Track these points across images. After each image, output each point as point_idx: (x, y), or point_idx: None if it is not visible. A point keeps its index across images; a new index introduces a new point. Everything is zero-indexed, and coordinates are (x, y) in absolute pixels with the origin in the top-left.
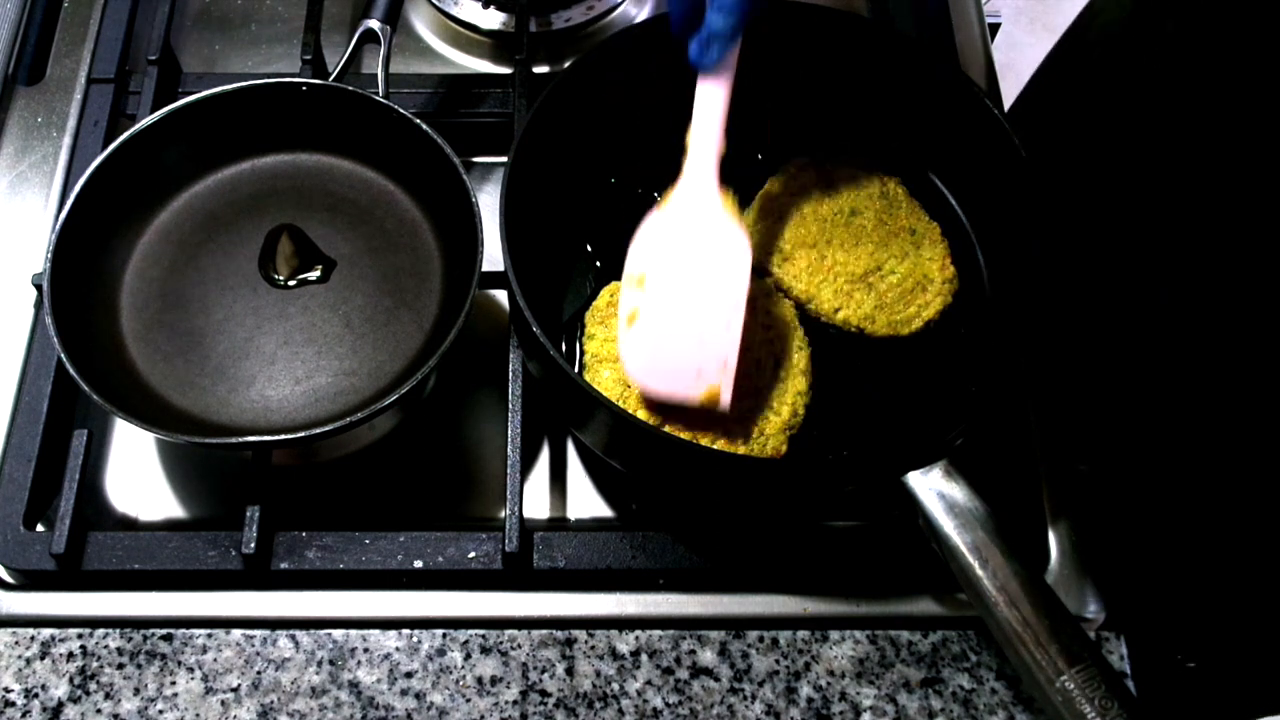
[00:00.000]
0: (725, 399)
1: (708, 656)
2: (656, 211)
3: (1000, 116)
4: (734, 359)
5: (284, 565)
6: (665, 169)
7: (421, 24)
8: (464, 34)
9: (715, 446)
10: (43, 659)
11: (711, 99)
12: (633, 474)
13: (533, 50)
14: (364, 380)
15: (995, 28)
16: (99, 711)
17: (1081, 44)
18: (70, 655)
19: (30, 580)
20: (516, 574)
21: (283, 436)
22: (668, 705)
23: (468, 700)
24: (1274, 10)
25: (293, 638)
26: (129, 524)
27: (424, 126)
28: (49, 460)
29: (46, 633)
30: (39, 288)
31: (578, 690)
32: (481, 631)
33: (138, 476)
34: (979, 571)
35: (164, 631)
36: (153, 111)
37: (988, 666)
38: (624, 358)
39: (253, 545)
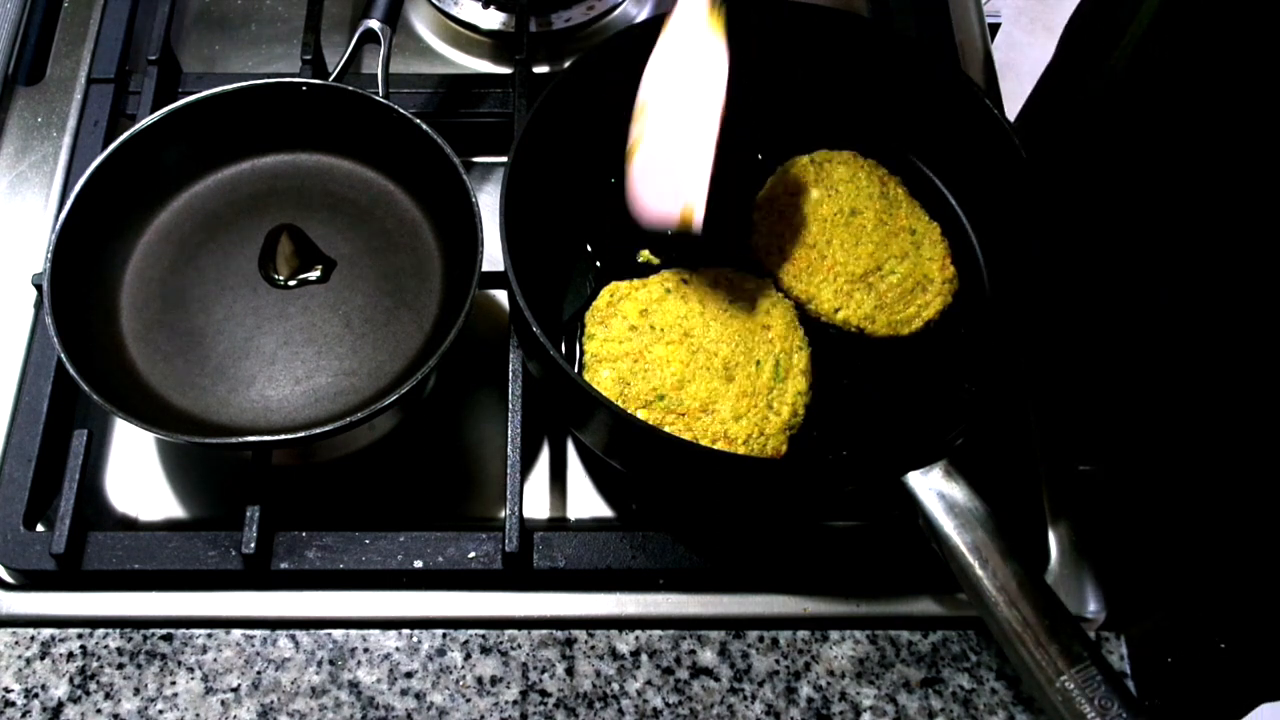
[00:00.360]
0: (698, 219)
1: (708, 656)
2: (660, 38)
3: (1000, 116)
4: (706, 176)
5: (284, 565)
6: None
7: (421, 24)
8: (464, 34)
9: (715, 446)
10: (43, 659)
11: None
12: (633, 474)
13: (533, 50)
14: (364, 380)
15: (995, 28)
16: (99, 711)
17: (1087, 49)
18: (70, 655)
19: (30, 580)
20: (516, 574)
21: (283, 436)
22: (668, 705)
23: (468, 700)
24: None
25: (293, 638)
26: (129, 524)
27: (424, 126)
28: (49, 460)
29: (46, 633)
30: (39, 288)
31: (578, 690)
32: (481, 631)
33: (138, 476)
34: (979, 571)
35: (164, 631)
36: (153, 111)
37: (988, 666)
38: (627, 188)
39: (253, 545)
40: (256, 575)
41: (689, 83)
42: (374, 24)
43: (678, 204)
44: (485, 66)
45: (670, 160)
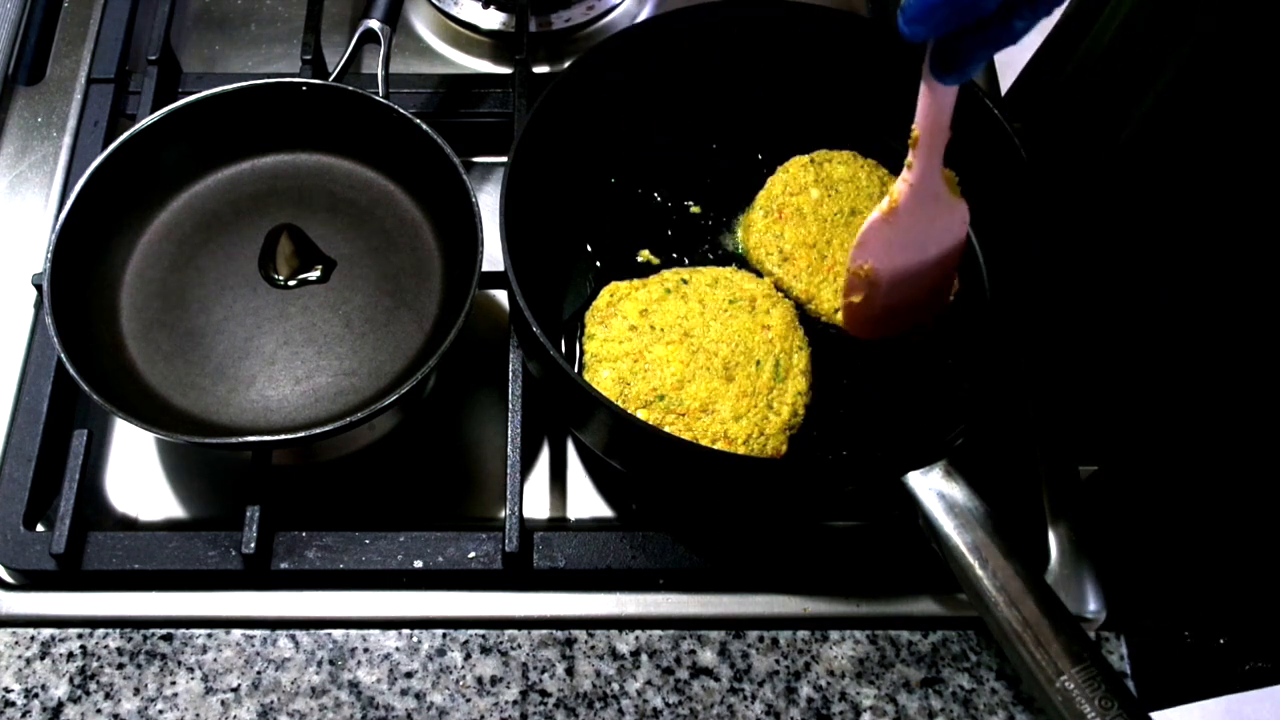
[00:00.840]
0: (929, 323)
1: (708, 656)
2: (881, 214)
3: (1000, 117)
4: (944, 303)
5: (284, 565)
6: (665, 169)
7: (421, 24)
8: (464, 34)
9: (715, 446)
10: (43, 659)
11: (948, 97)
12: (633, 474)
13: (533, 50)
14: (364, 380)
15: None
16: (99, 711)
17: (1082, 35)
18: (70, 655)
19: (30, 580)
20: (516, 574)
21: (283, 436)
22: (668, 705)
23: (468, 700)
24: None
25: (293, 638)
26: (129, 524)
27: (424, 126)
28: (49, 460)
29: (46, 633)
30: (39, 288)
31: (578, 690)
32: (481, 631)
33: (138, 476)
34: (979, 571)
35: (164, 631)
36: (153, 111)
37: (988, 666)
38: (846, 321)
39: (253, 545)
40: (256, 575)
41: (934, 241)
42: (374, 24)
43: (909, 324)
44: (485, 66)
45: (910, 305)
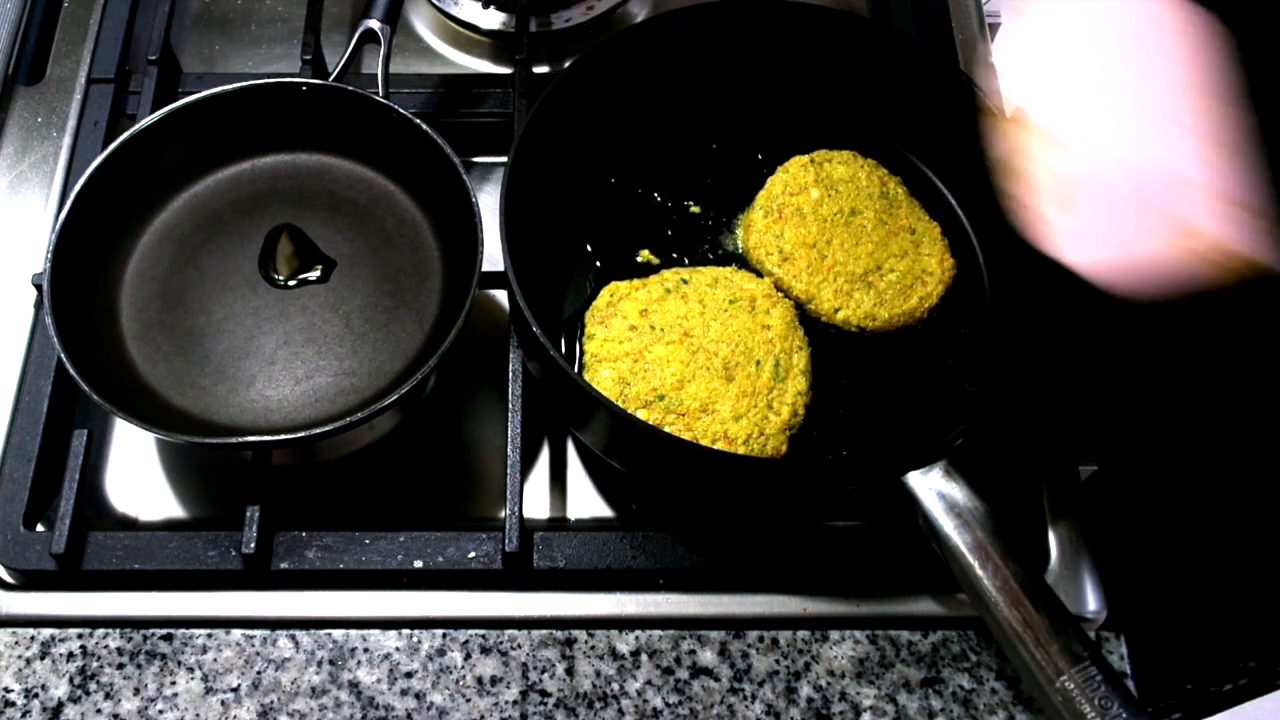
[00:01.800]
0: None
1: (708, 656)
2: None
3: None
4: (1238, 180)
5: (284, 565)
6: (665, 169)
7: (421, 24)
8: (464, 34)
9: (715, 446)
10: (43, 659)
11: None
12: (633, 474)
13: (533, 50)
14: (364, 380)
15: (995, 28)
16: (99, 711)
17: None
18: (70, 655)
19: (30, 580)
20: (516, 574)
21: (283, 436)
22: (668, 705)
23: (468, 700)
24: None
25: (293, 638)
26: (129, 524)
27: (424, 126)
28: (49, 460)
29: (46, 633)
30: (39, 288)
31: (578, 690)
32: (481, 631)
33: (138, 476)
34: (979, 571)
35: (164, 631)
36: (153, 111)
37: (988, 666)
38: (1064, 251)
39: (253, 545)
40: (256, 575)
41: (1138, 51)
42: (374, 24)
43: (1176, 231)
44: (485, 66)
45: (1151, 183)
